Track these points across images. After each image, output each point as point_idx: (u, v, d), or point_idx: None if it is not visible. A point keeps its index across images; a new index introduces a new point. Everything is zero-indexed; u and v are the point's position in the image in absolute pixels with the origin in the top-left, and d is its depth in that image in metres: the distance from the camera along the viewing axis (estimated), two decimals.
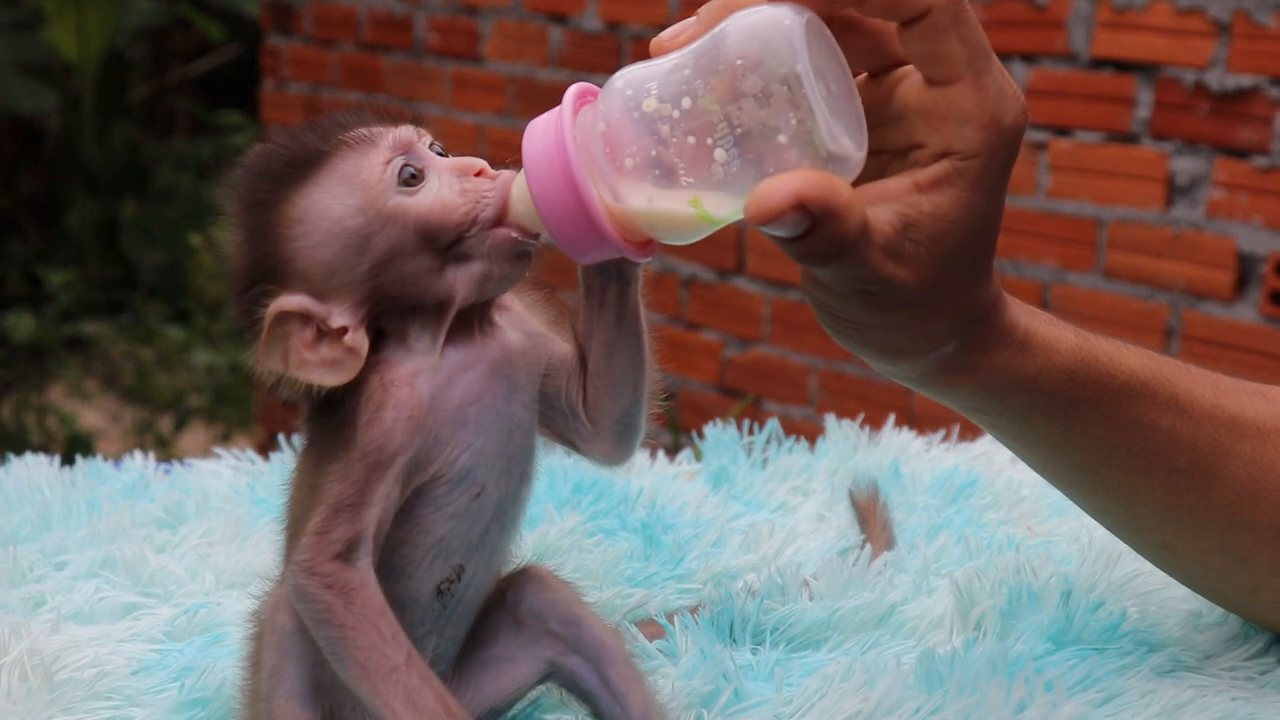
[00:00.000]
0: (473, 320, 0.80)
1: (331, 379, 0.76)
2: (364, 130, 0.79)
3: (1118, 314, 2.46)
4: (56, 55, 5.25)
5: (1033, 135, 2.55)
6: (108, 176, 5.34)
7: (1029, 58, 2.55)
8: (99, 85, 5.36)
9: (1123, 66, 2.43)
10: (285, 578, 0.78)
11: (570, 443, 0.85)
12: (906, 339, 0.79)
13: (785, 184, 0.70)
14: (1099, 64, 2.45)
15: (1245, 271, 2.32)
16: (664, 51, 0.74)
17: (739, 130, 0.71)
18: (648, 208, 0.73)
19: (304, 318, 0.76)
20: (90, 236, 5.33)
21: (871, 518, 1.13)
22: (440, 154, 0.80)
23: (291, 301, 0.76)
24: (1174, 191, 2.39)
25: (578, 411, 0.83)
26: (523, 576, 0.85)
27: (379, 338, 0.78)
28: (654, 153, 0.72)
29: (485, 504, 0.80)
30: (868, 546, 1.09)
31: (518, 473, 0.81)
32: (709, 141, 0.71)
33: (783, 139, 0.71)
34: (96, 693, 0.88)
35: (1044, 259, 2.56)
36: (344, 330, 0.77)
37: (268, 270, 0.77)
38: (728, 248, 2.99)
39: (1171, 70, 2.37)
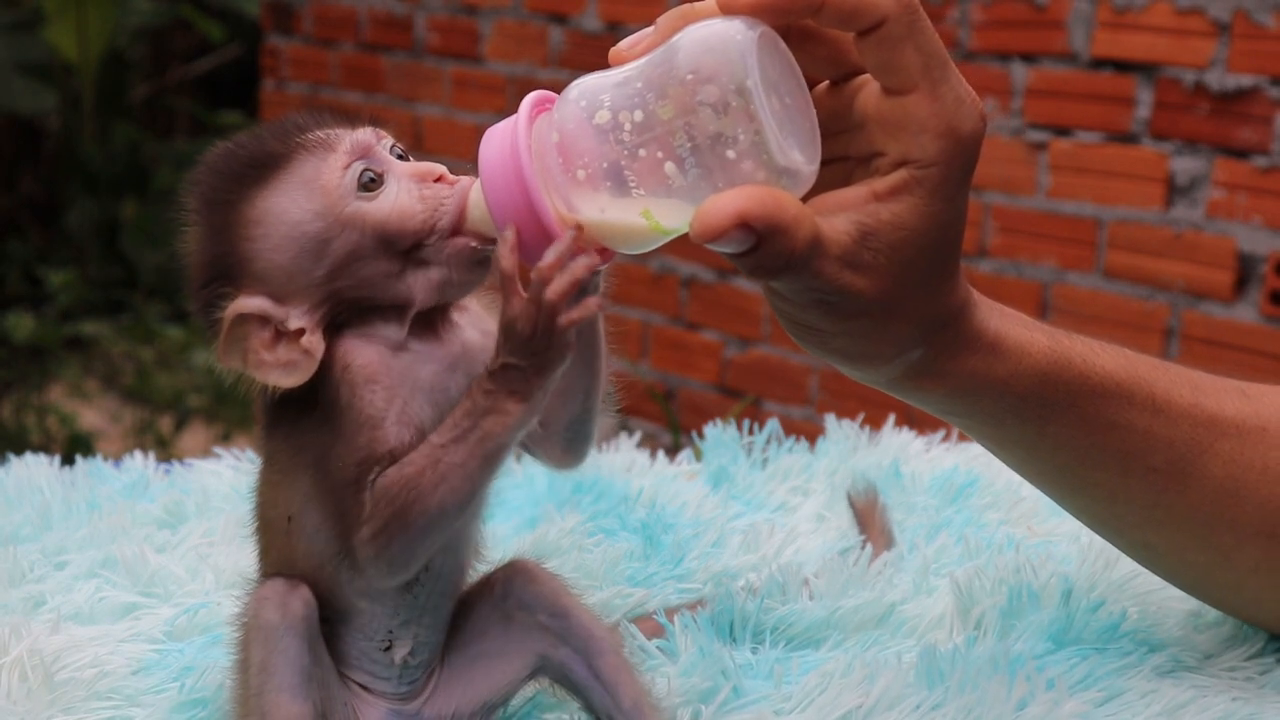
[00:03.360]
0: (435, 319, 0.81)
1: (288, 380, 0.77)
2: (323, 133, 0.79)
3: (1118, 314, 2.46)
4: (56, 55, 5.25)
5: (1033, 135, 2.55)
6: (108, 176, 5.34)
7: (1029, 58, 2.55)
8: (99, 85, 5.36)
9: (1123, 66, 2.43)
10: (353, 561, 0.78)
11: (522, 444, 0.85)
12: (870, 345, 0.79)
13: (728, 202, 0.71)
14: (1099, 64, 2.46)
15: (1245, 271, 2.32)
16: (622, 61, 0.74)
17: (689, 144, 0.71)
18: (600, 218, 0.73)
19: (262, 319, 0.77)
20: (90, 236, 5.33)
21: (870, 520, 1.13)
22: (401, 156, 0.81)
23: (250, 304, 0.77)
24: (1174, 191, 2.39)
25: None
26: (510, 569, 0.86)
27: (338, 332, 0.79)
28: (605, 164, 0.72)
29: None
30: (868, 546, 1.09)
31: None
32: (659, 154, 0.72)
33: (731, 154, 0.71)
34: (96, 693, 0.88)
35: (1044, 259, 2.56)
36: (301, 332, 0.77)
37: (226, 269, 0.78)
38: None
39: (1171, 70, 2.37)
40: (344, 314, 0.79)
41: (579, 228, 0.73)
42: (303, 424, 0.79)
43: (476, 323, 0.83)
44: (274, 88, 4.04)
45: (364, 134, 0.80)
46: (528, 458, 0.88)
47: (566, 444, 0.85)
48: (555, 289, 0.73)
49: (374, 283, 0.78)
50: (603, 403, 0.84)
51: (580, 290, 0.80)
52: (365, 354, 0.78)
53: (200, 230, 0.79)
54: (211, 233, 0.79)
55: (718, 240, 0.71)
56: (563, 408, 0.83)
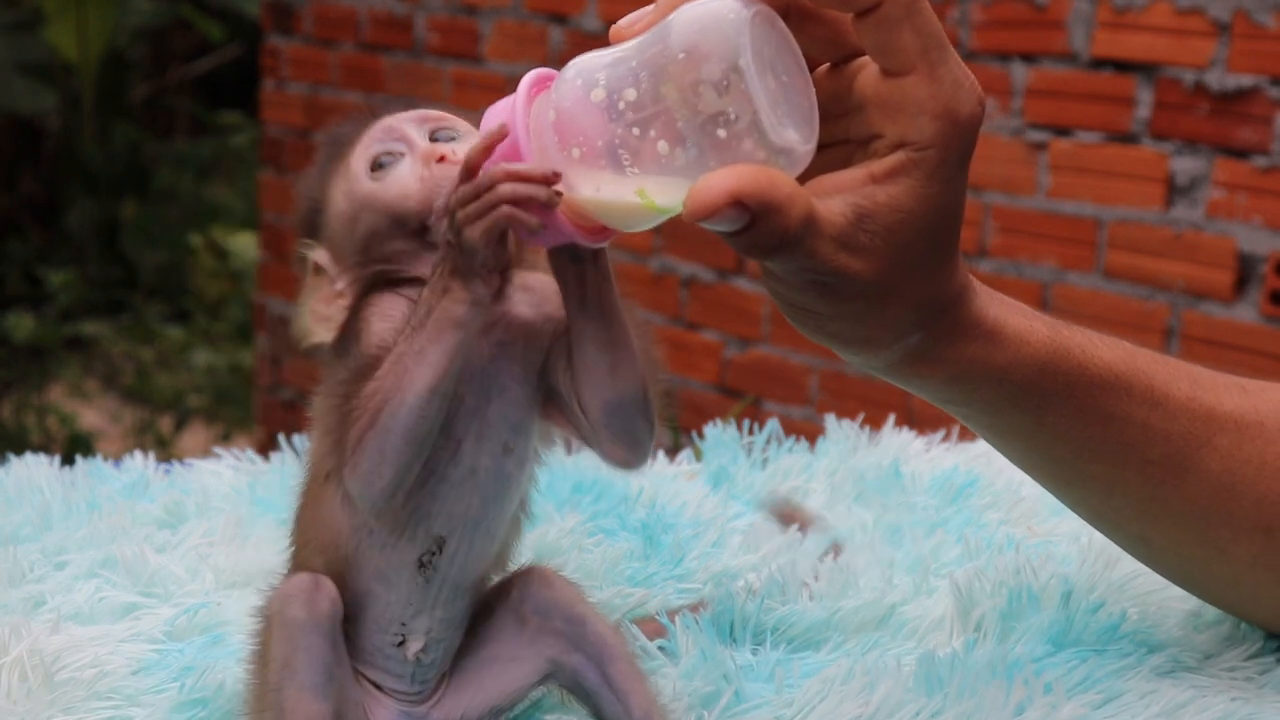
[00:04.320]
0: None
1: (321, 333, 0.82)
2: (378, 119, 0.84)
3: (1118, 314, 2.46)
4: (56, 55, 5.25)
5: (1033, 135, 2.55)
6: (108, 176, 5.34)
7: (1029, 58, 2.55)
8: (99, 85, 5.36)
9: (1123, 66, 2.43)
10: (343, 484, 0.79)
11: (582, 438, 0.85)
12: (867, 329, 0.79)
13: (721, 181, 0.71)
14: (1099, 64, 2.46)
15: (1245, 271, 2.32)
16: (622, 38, 0.75)
17: (681, 123, 0.71)
18: (595, 196, 0.74)
19: (327, 276, 0.83)
20: (90, 236, 5.33)
21: (795, 514, 1.15)
22: (448, 138, 0.82)
23: (321, 256, 0.84)
24: (1174, 191, 2.39)
25: (573, 402, 0.83)
26: (527, 575, 0.85)
27: (372, 289, 0.83)
28: (600, 143, 0.73)
29: (462, 469, 0.80)
30: (833, 550, 1.08)
31: (498, 441, 0.81)
32: (653, 133, 0.72)
33: (723, 133, 0.71)
34: (96, 693, 0.88)
35: (1044, 259, 2.56)
36: (341, 295, 0.82)
37: (316, 225, 0.85)
38: (728, 247, 2.99)
39: (1171, 70, 2.37)
40: (380, 285, 0.83)
41: (556, 174, 0.74)
42: (339, 376, 0.81)
43: (539, 303, 0.82)
44: (274, 88, 4.04)
45: (396, 118, 0.83)
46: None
47: (611, 434, 0.82)
48: (505, 190, 0.74)
49: (397, 258, 0.82)
50: (648, 394, 0.82)
51: (577, 260, 0.80)
52: (393, 302, 0.82)
53: (310, 188, 0.85)
54: (310, 195, 0.85)
55: (711, 219, 0.71)
56: (594, 394, 0.81)
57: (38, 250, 5.44)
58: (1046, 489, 0.93)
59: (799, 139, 0.73)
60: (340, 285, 0.83)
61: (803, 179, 0.75)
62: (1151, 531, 0.91)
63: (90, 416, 4.61)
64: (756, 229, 0.72)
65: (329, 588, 0.79)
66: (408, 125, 0.83)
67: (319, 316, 0.82)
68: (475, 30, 3.42)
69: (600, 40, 0.76)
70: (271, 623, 0.79)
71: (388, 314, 0.81)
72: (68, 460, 1.26)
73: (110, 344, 5.00)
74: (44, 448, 2.81)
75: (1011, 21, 2.56)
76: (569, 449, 1.19)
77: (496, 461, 0.81)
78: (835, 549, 1.10)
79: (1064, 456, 0.87)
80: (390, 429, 0.77)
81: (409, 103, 0.85)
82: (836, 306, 0.77)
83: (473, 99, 3.39)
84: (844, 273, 0.75)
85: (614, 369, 0.81)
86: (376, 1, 3.72)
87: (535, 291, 0.83)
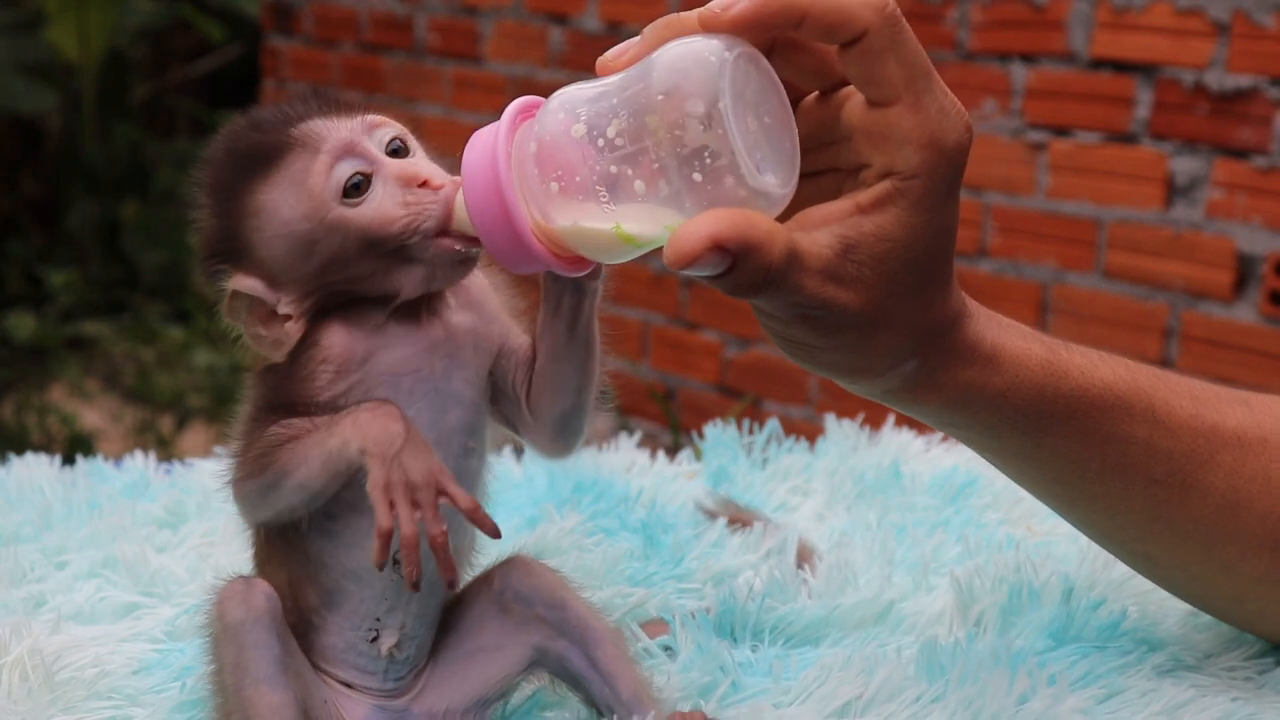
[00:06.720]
0: (418, 303, 0.82)
1: (275, 355, 0.82)
2: (311, 126, 0.81)
3: (1117, 314, 2.46)
4: (57, 55, 5.25)
5: (1033, 135, 2.56)
6: (109, 177, 5.34)
7: (1029, 58, 2.55)
8: (100, 85, 5.36)
9: (1122, 67, 2.43)
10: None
11: (514, 427, 0.88)
12: (861, 358, 0.79)
13: (699, 227, 0.71)
14: (1098, 64, 2.46)
15: (1244, 271, 2.32)
16: (608, 71, 0.75)
17: (658, 164, 0.72)
18: (573, 228, 0.74)
19: (258, 299, 0.81)
20: (91, 236, 5.33)
21: (738, 514, 1.15)
22: (397, 150, 0.82)
23: (246, 284, 0.81)
24: (1173, 192, 2.39)
25: (521, 401, 0.85)
26: (508, 564, 0.86)
27: (327, 315, 0.82)
28: (578, 177, 0.73)
29: None
30: (804, 563, 1.08)
31: (458, 444, 0.83)
32: (629, 171, 0.72)
33: (699, 175, 0.72)
34: (97, 692, 0.89)
35: (1044, 259, 2.56)
36: (288, 318, 0.81)
37: (230, 249, 0.82)
38: None
39: (1171, 70, 2.37)
40: (333, 301, 0.82)
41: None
42: (268, 379, 0.83)
43: (475, 303, 0.85)
44: (274, 88, 4.04)
45: (350, 129, 0.81)
46: (528, 456, 0.89)
47: (555, 434, 0.86)
48: (435, 534, 0.76)
49: (361, 279, 0.81)
50: (596, 400, 0.86)
51: (577, 293, 0.82)
52: (335, 337, 0.81)
53: (210, 210, 0.83)
54: (219, 214, 0.82)
55: (693, 265, 0.72)
56: (553, 403, 0.84)
57: (38, 250, 5.44)
58: (1051, 509, 0.92)
59: (776, 183, 0.73)
60: (284, 309, 0.81)
61: (792, 209, 0.75)
62: (1156, 550, 0.91)
63: (91, 416, 4.61)
64: (739, 270, 0.72)
65: (262, 585, 0.81)
66: (364, 139, 0.81)
67: (265, 341, 0.82)
68: (475, 31, 3.42)
69: (600, 41, 0.76)
70: (215, 630, 0.80)
71: (328, 359, 0.81)
72: (68, 460, 1.26)
73: (111, 344, 5.00)
74: (45, 448, 2.81)
75: (1011, 22, 2.56)
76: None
77: (459, 463, 0.83)
78: (804, 553, 1.09)
79: (1066, 477, 0.87)
80: (270, 487, 0.80)
81: (316, 94, 0.84)
82: (828, 338, 0.77)
83: (473, 99, 3.39)
84: (832, 304, 0.75)
85: (581, 387, 0.84)
86: (376, 2, 3.72)
87: (471, 289, 0.85)
